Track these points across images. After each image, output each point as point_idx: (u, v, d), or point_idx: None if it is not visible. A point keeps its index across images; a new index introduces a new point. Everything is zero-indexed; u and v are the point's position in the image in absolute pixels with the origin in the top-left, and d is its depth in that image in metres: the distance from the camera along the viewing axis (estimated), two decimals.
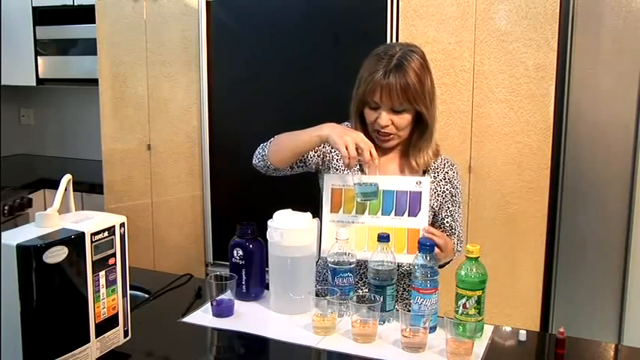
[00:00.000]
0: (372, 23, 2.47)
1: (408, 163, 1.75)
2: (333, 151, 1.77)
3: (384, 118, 1.64)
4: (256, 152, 1.79)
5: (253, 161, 1.79)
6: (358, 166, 1.72)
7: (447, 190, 1.76)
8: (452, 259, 1.70)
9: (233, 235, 1.69)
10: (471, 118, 2.41)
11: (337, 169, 1.75)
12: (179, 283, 1.82)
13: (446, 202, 1.75)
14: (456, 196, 1.78)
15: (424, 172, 1.75)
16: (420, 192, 1.62)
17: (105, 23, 2.98)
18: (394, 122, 1.65)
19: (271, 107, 2.72)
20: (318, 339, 1.47)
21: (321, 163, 1.78)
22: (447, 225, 1.75)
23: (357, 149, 1.56)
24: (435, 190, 1.72)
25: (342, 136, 1.57)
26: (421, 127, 1.70)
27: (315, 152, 1.77)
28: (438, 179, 1.75)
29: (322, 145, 1.74)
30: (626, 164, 2.33)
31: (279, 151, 1.73)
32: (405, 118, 1.66)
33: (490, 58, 2.35)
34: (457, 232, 1.77)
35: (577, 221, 2.42)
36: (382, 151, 1.76)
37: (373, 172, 1.61)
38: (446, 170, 1.77)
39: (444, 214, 1.75)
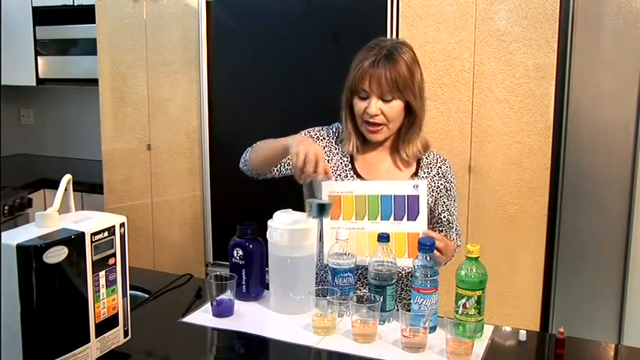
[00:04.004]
0: (372, 23, 2.47)
1: (399, 156, 1.76)
2: (323, 152, 1.77)
3: (374, 106, 1.64)
4: (241, 157, 1.82)
5: (239, 165, 1.83)
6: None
7: (441, 185, 1.76)
8: (453, 257, 1.71)
9: (233, 235, 1.69)
10: (471, 118, 2.41)
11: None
12: (179, 283, 1.82)
13: (441, 197, 1.76)
14: (450, 190, 1.78)
15: (417, 169, 1.76)
16: (418, 195, 1.62)
17: (105, 23, 2.98)
18: (384, 112, 1.66)
19: (271, 107, 2.72)
20: (318, 339, 1.47)
21: None
22: (445, 220, 1.75)
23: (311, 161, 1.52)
24: (429, 186, 1.73)
25: (299, 145, 1.54)
26: (411, 118, 1.71)
27: None
28: (431, 175, 1.76)
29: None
30: (626, 164, 2.33)
31: (256, 157, 1.77)
32: (395, 108, 1.66)
33: (490, 58, 2.35)
34: (455, 226, 1.78)
35: (577, 221, 2.42)
36: (372, 146, 1.77)
37: (319, 187, 1.58)
38: (439, 165, 1.78)
39: (440, 209, 1.76)
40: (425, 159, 1.78)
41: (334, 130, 1.81)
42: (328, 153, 1.77)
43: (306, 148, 1.52)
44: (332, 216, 1.65)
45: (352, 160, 1.76)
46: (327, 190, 1.66)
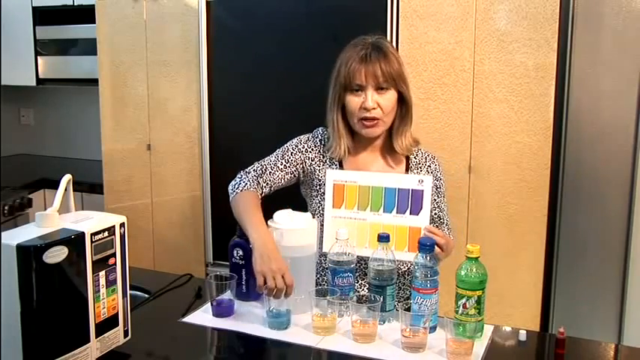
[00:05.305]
0: (372, 23, 2.46)
1: (390, 155, 1.77)
2: (313, 163, 1.78)
3: (370, 98, 1.65)
4: (229, 187, 1.77)
5: (228, 190, 1.78)
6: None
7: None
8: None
9: (233, 235, 1.69)
10: (471, 118, 2.41)
11: (320, 180, 1.76)
12: (179, 283, 1.82)
13: (431, 194, 1.76)
14: (440, 188, 1.80)
15: (406, 169, 1.77)
16: (422, 190, 1.63)
17: (105, 23, 2.97)
18: (380, 104, 1.66)
19: (271, 107, 2.72)
20: (318, 339, 1.47)
21: (302, 175, 1.80)
22: (436, 216, 1.77)
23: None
24: None
25: (267, 264, 1.49)
26: (403, 109, 1.73)
27: (292, 174, 1.78)
28: (421, 174, 1.77)
29: (302, 163, 1.77)
30: (626, 164, 2.33)
31: (234, 213, 1.71)
32: (390, 100, 1.67)
33: (490, 58, 2.35)
34: (446, 222, 1.80)
35: (577, 221, 2.42)
36: (363, 145, 1.77)
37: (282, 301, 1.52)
38: (428, 164, 1.80)
39: (431, 207, 1.76)
40: (414, 158, 1.79)
41: (320, 138, 1.80)
42: (318, 163, 1.78)
43: (273, 272, 1.48)
44: (334, 204, 1.66)
45: (341, 166, 1.76)
46: (332, 177, 1.67)
